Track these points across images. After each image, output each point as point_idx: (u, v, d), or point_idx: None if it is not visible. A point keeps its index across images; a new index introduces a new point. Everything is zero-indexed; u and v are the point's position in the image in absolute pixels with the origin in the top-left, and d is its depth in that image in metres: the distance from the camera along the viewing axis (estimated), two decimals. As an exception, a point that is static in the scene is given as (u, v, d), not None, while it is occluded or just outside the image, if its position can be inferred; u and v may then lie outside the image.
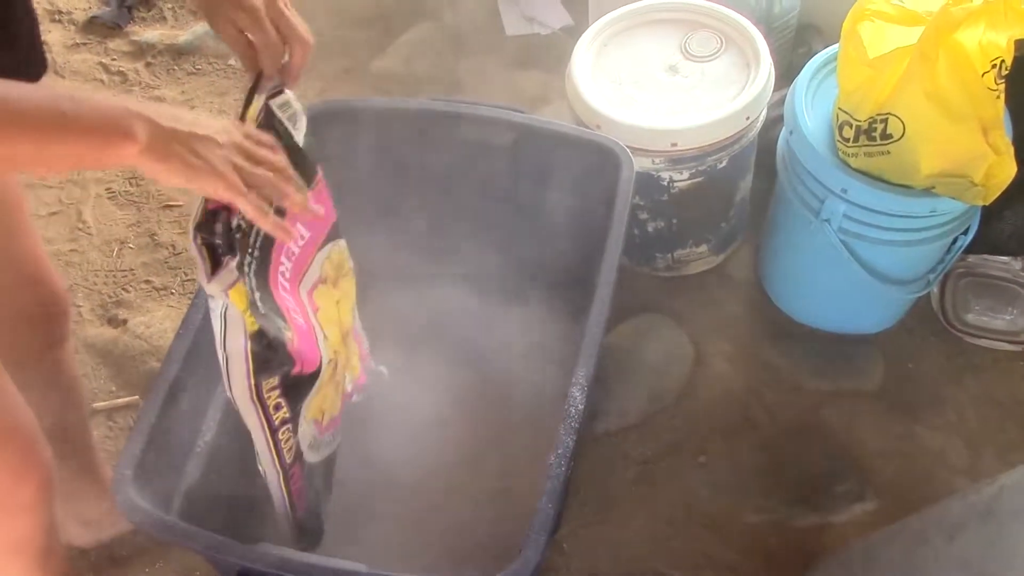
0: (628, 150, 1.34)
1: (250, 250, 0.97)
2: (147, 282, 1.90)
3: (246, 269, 0.96)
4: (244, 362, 1.00)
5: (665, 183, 1.58)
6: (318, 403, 1.17)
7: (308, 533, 1.24)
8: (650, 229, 1.68)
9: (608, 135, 1.40)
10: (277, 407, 1.07)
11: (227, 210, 0.91)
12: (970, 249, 1.56)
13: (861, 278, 1.51)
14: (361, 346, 1.37)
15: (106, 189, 2.06)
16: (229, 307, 0.95)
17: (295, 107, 1.02)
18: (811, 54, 1.58)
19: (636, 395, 1.64)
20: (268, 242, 1.00)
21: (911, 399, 1.65)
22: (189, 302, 1.26)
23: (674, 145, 1.50)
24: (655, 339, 1.71)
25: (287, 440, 1.11)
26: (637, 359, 1.68)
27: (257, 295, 0.98)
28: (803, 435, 1.61)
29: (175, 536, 1.06)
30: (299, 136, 1.03)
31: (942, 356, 1.70)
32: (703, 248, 1.75)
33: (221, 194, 0.86)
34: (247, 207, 0.87)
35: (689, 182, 1.58)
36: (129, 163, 0.80)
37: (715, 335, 1.74)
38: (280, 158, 0.92)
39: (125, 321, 1.83)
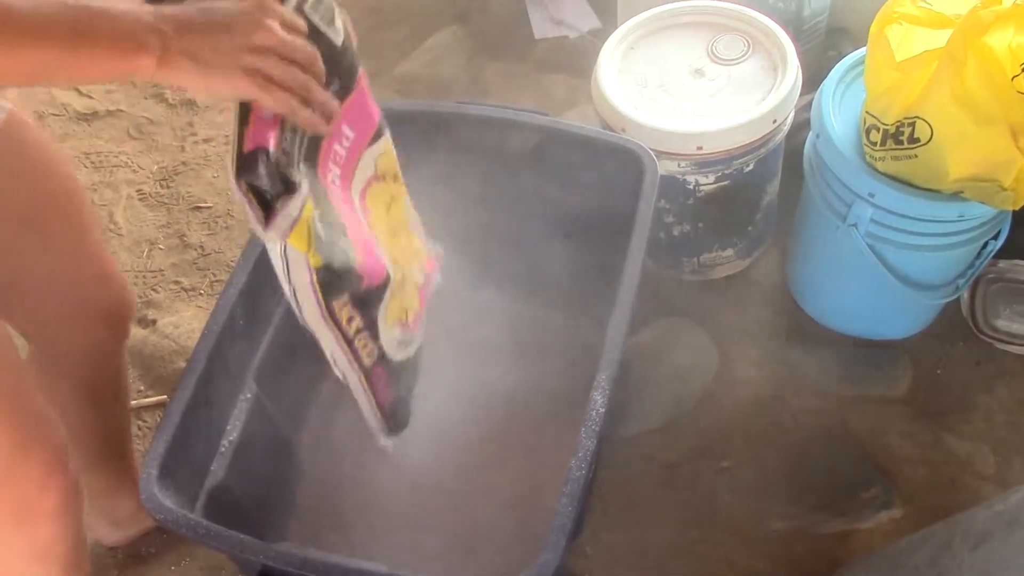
0: (653, 153, 1.34)
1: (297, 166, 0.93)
2: (176, 283, 1.92)
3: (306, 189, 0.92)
4: (312, 292, 0.98)
5: (691, 187, 1.57)
6: (397, 305, 1.17)
7: (395, 421, 1.26)
8: (675, 232, 1.68)
9: (633, 138, 1.39)
10: (350, 319, 1.07)
11: (265, 147, 0.87)
12: (1001, 254, 1.54)
13: (889, 283, 1.50)
14: (420, 235, 1.33)
15: (137, 191, 2.08)
16: (288, 248, 0.93)
17: (329, 1, 0.95)
18: (841, 58, 1.56)
19: (660, 399, 1.63)
20: (312, 153, 0.97)
21: (939, 405, 1.63)
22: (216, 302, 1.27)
23: (700, 148, 1.50)
24: (680, 343, 1.70)
25: (365, 346, 1.11)
26: (661, 363, 1.67)
27: (317, 214, 0.94)
28: (829, 441, 1.60)
29: (198, 534, 1.07)
30: (336, 36, 0.97)
31: (971, 362, 1.68)
32: (729, 252, 1.74)
33: (245, 93, 0.84)
34: (276, 103, 0.85)
35: (715, 186, 1.58)
36: (145, 75, 0.79)
37: (741, 339, 1.73)
38: (311, 50, 0.88)
39: (154, 321, 1.85)
